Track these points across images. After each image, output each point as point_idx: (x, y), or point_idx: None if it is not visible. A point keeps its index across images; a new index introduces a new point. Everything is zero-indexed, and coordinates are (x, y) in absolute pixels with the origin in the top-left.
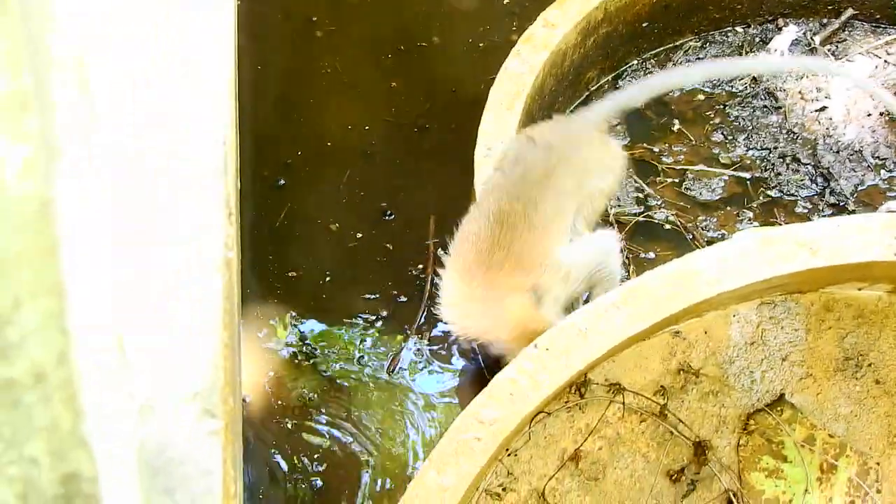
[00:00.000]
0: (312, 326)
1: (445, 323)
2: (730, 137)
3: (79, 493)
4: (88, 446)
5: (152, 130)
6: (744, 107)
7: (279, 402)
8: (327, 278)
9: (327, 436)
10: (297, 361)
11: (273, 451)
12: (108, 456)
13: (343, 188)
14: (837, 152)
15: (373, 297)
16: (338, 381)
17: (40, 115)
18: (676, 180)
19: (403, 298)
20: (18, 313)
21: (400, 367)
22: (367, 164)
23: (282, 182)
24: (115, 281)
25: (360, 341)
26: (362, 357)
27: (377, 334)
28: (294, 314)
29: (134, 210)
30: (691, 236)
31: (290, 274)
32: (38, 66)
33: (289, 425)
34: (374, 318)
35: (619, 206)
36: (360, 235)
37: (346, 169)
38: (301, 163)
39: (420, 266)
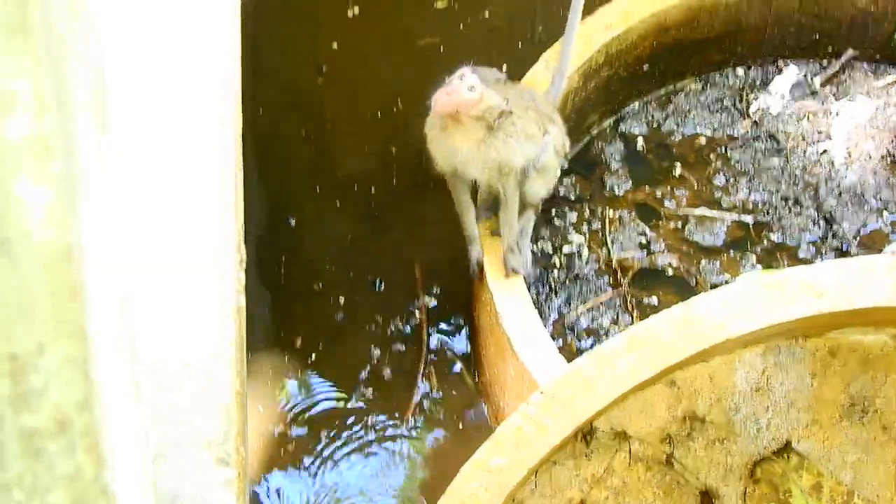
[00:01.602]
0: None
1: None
2: (732, 181)
3: None
4: (110, 495)
5: (168, 175)
6: (745, 150)
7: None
8: (322, 343)
9: None
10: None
11: None
12: None
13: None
14: (839, 195)
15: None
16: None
17: (64, 157)
18: (679, 225)
19: (402, 347)
20: (42, 359)
21: (414, 417)
22: (370, 223)
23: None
24: (131, 326)
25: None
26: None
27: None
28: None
29: (150, 259)
30: (694, 281)
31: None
32: (62, 107)
33: None
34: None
35: (622, 250)
36: (356, 296)
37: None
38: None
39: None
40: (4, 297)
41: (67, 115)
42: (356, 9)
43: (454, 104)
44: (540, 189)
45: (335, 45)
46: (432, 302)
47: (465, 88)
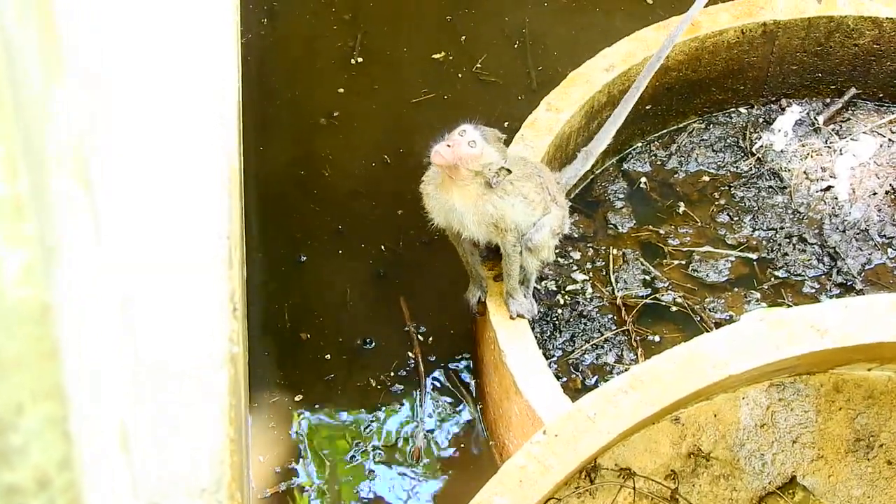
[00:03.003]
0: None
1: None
2: (735, 218)
3: None
4: None
5: (153, 228)
6: (749, 187)
7: None
8: (323, 391)
9: None
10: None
11: None
12: None
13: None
14: (844, 231)
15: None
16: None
17: (38, 218)
18: (683, 262)
19: (399, 387)
20: (21, 418)
21: (419, 457)
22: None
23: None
24: (117, 379)
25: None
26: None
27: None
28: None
29: (136, 311)
30: (699, 318)
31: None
32: (34, 167)
33: None
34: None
35: (626, 288)
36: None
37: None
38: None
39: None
40: None
41: (41, 177)
42: (359, 58)
43: (454, 157)
44: (534, 264)
45: (341, 90)
46: (430, 340)
47: (466, 143)
